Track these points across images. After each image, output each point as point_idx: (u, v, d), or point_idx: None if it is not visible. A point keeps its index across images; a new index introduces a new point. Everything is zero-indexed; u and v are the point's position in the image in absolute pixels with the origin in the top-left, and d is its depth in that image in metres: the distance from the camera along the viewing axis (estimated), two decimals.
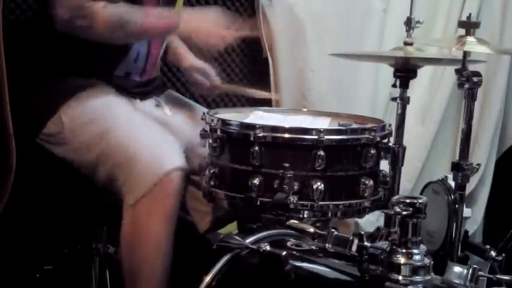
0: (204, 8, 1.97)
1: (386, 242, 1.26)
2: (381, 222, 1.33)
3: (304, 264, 1.36)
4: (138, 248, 1.71)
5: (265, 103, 2.45)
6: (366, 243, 1.27)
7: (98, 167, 1.78)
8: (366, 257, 1.27)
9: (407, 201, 1.22)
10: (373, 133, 1.67)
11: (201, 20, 1.89)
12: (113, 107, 1.86)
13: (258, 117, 1.86)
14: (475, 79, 1.84)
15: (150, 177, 1.68)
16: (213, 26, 1.87)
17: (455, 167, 1.89)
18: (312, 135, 1.60)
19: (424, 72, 2.73)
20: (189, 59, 2.20)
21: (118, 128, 1.78)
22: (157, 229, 1.70)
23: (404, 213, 1.22)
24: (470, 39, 1.85)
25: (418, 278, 1.22)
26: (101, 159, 1.77)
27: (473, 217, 2.96)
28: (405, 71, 2.04)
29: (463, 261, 1.95)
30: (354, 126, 1.71)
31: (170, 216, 1.71)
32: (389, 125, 1.78)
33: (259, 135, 1.60)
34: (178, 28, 1.86)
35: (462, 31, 1.89)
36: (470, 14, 1.91)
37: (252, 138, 1.61)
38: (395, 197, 1.24)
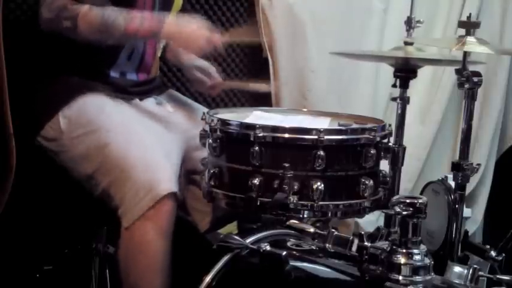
0: (187, 15, 1.95)
1: (387, 242, 1.26)
2: (381, 222, 1.33)
3: (304, 264, 1.36)
4: (136, 266, 1.71)
5: (265, 103, 2.46)
6: (366, 243, 1.27)
7: (94, 181, 1.78)
8: (366, 257, 1.27)
9: (408, 201, 1.22)
10: (373, 133, 1.67)
11: (184, 24, 1.87)
12: (112, 114, 1.85)
13: (258, 117, 1.86)
14: (475, 79, 1.84)
15: (145, 200, 1.69)
16: (196, 29, 1.85)
17: (455, 167, 1.89)
18: (311, 135, 1.60)
19: (424, 72, 2.73)
20: (190, 57, 2.20)
21: (115, 142, 1.77)
22: (154, 247, 1.70)
23: (404, 213, 1.22)
24: (470, 39, 1.85)
25: (418, 278, 1.22)
26: (97, 174, 1.77)
27: (473, 217, 2.96)
28: (405, 71, 2.05)
29: (463, 261, 1.95)
30: (354, 126, 1.71)
31: (166, 234, 1.71)
32: (389, 125, 1.78)
33: (259, 135, 1.60)
34: (161, 33, 1.84)
35: (462, 31, 1.90)
36: (470, 14, 1.91)
37: (252, 138, 1.61)
38: (395, 197, 1.24)
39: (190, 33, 1.85)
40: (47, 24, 1.84)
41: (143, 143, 1.79)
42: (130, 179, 1.71)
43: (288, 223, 1.50)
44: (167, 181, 1.72)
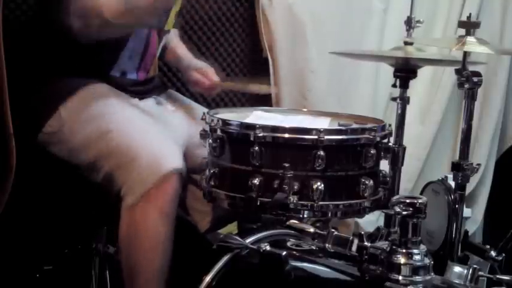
0: None
1: (386, 242, 1.26)
2: (381, 222, 1.33)
3: (304, 264, 1.36)
4: (137, 248, 1.71)
5: (265, 103, 2.46)
6: (366, 243, 1.27)
7: (95, 167, 1.78)
8: (366, 257, 1.27)
9: (407, 201, 1.22)
10: (373, 133, 1.67)
11: None
12: (113, 104, 1.85)
13: (258, 117, 1.86)
14: (475, 79, 1.84)
15: (148, 178, 1.68)
16: None
17: (455, 167, 1.89)
18: (312, 135, 1.60)
19: (424, 72, 2.74)
20: (188, 58, 2.20)
21: (117, 129, 1.77)
22: (156, 229, 1.70)
23: (404, 213, 1.22)
24: (470, 39, 1.85)
25: (418, 278, 1.22)
26: (99, 160, 1.77)
27: (473, 217, 2.96)
28: (405, 71, 2.04)
29: (463, 261, 1.94)
30: (354, 126, 1.71)
31: (168, 216, 1.71)
32: (389, 125, 1.78)
33: (259, 135, 1.60)
34: None
35: (462, 31, 1.89)
36: (470, 14, 1.91)
37: (252, 138, 1.61)
38: (395, 197, 1.24)
39: None
40: (83, 34, 1.81)
41: (145, 129, 1.79)
42: (135, 160, 1.71)
43: (288, 223, 1.50)
44: (172, 158, 1.72)
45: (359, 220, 2.63)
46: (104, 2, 1.78)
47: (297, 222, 1.50)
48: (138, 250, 1.71)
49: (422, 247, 1.24)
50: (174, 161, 1.72)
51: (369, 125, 1.73)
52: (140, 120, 1.84)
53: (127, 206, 1.71)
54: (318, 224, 1.62)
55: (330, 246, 1.35)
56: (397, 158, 1.93)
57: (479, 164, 1.93)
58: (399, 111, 2.09)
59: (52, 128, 1.86)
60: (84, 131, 1.81)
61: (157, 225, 1.69)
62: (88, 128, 1.81)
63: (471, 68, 1.86)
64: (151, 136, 1.78)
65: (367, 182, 1.65)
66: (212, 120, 1.69)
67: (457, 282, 1.34)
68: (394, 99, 2.10)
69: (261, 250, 1.33)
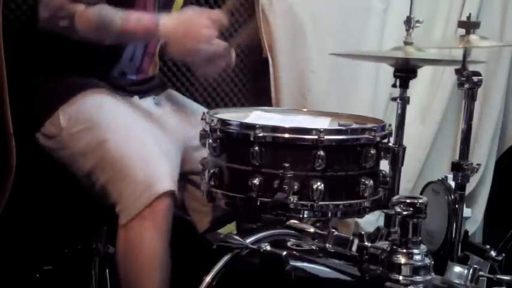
0: (183, 10, 1.92)
1: (387, 242, 1.26)
2: (381, 222, 1.33)
3: (304, 264, 1.36)
4: (134, 264, 1.71)
5: (265, 103, 2.46)
6: (366, 243, 1.27)
7: (91, 178, 1.78)
8: (366, 257, 1.27)
9: (408, 201, 1.22)
10: (373, 133, 1.67)
11: (180, 17, 1.84)
12: (111, 111, 1.85)
13: (258, 117, 1.86)
14: (475, 79, 1.84)
15: (141, 199, 1.68)
16: (193, 27, 1.81)
17: (455, 167, 1.89)
18: (311, 135, 1.60)
19: (424, 73, 2.73)
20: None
21: (114, 139, 1.76)
22: (152, 245, 1.70)
23: (404, 213, 1.22)
24: (472, 36, 1.85)
25: (418, 278, 1.22)
26: (95, 171, 1.77)
27: (473, 217, 2.97)
28: (405, 71, 2.04)
29: (463, 261, 1.94)
30: (354, 126, 1.71)
31: (164, 231, 1.71)
32: (389, 125, 1.78)
33: (259, 135, 1.60)
34: (158, 33, 1.81)
35: (462, 31, 1.89)
36: (470, 14, 1.91)
37: (252, 138, 1.61)
38: (396, 197, 1.25)
39: (189, 23, 1.81)
40: (44, 23, 1.84)
41: (142, 141, 1.79)
42: (128, 176, 1.71)
43: (288, 223, 1.50)
44: (165, 179, 1.71)
45: (359, 220, 2.63)
46: (78, 9, 1.79)
47: (297, 222, 1.50)
48: (135, 266, 1.71)
49: (423, 247, 1.24)
50: (167, 182, 1.71)
51: (369, 125, 1.73)
52: (138, 128, 1.83)
53: (122, 224, 1.71)
54: (318, 224, 1.62)
55: (330, 246, 1.35)
56: (397, 158, 1.93)
57: (479, 164, 1.93)
58: (399, 111, 2.09)
59: (51, 130, 1.86)
60: (82, 139, 1.81)
61: (153, 242, 1.70)
62: (86, 136, 1.80)
63: (471, 67, 1.87)
64: (148, 150, 1.76)
65: (367, 182, 1.65)
66: (212, 120, 1.69)
67: (457, 282, 1.33)
68: (394, 99, 2.10)
69: (261, 250, 1.33)
